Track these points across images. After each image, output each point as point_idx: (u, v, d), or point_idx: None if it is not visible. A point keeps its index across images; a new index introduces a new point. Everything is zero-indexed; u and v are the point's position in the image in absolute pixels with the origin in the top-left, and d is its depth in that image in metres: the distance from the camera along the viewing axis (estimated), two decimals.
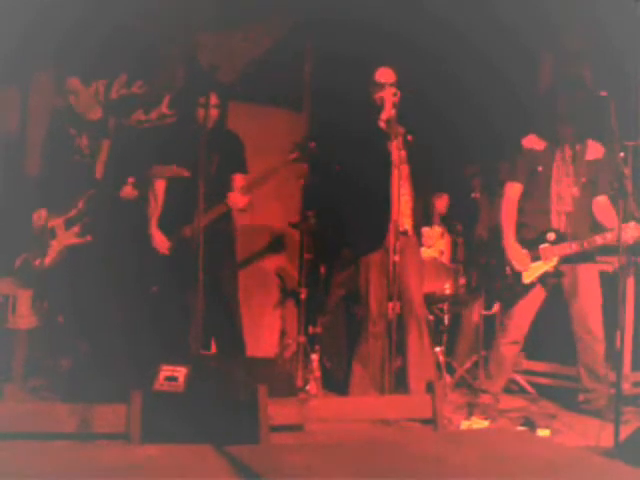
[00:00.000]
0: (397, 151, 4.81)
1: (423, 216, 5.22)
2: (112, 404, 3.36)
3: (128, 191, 4.98)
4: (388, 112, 4.81)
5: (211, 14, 6.49)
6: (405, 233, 4.94)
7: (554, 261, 5.02)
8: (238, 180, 5.30)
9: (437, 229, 6.23)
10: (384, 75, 4.99)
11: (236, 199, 5.10)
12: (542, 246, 5.04)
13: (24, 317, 5.42)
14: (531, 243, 5.08)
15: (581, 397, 5.15)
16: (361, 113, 5.12)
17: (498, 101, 6.41)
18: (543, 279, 5.06)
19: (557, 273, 5.05)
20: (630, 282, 5.39)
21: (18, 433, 3.25)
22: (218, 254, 5.12)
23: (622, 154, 4.43)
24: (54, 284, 5.17)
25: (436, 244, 6.17)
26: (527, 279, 5.06)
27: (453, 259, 6.33)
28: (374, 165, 4.81)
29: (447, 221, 6.46)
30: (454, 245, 6.42)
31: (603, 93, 4.34)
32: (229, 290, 5.29)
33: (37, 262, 5.04)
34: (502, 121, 6.41)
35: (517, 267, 5.07)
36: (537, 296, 5.12)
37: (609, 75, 5.57)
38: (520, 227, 5.16)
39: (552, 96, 5.32)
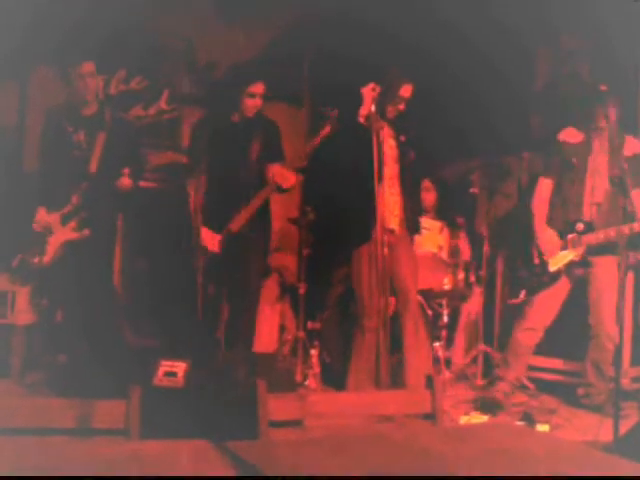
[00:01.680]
0: (385, 147, 4.83)
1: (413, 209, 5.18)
2: (111, 400, 3.37)
3: (124, 182, 4.95)
4: (367, 107, 4.79)
5: (211, 10, 6.49)
6: (392, 231, 4.94)
7: (581, 250, 5.01)
8: (276, 169, 5.14)
9: (436, 223, 6.21)
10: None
11: (283, 175, 4.98)
12: (570, 235, 5.02)
13: (22, 313, 5.42)
14: (560, 233, 5.07)
15: (581, 391, 5.15)
16: (355, 109, 5.10)
17: (498, 95, 6.40)
18: (569, 268, 5.05)
19: (584, 263, 5.04)
20: (630, 276, 5.37)
21: (16, 428, 3.25)
22: (249, 251, 5.11)
23: None
24: (53, 280, 5.15)
25: (435, 239, 6.15)
26: (553, 267, 5.04)
27: (452, 254, 6.32)
28: (364, 160, 4.82)
29: (446, 215, 6.43)
30: (453, 240, 6.40)
31: (603, 88, 4.34)
32: (252, 288, 5.25)
33: (36, 260, 5.00)
34: (502, 116, 6.41)
35: (545, 249, 5.07)
36: (562, 288, 5.10)
37: (609, 74, 5.57)
38: (549, 219, 5.16)
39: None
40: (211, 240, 5.06)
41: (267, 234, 5.32)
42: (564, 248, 5.04)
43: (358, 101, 5.07)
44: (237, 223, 4.96)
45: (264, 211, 5.19)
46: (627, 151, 5.06)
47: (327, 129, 4.93)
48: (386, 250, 4.57)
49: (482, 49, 6.28)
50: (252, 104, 5.11)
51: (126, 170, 4.92)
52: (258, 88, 5.11)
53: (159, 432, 3.32)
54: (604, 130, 5.07)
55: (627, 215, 4.85)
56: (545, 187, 5.21)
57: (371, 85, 4.79)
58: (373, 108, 4.73)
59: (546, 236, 5.10)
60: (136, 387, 3.29)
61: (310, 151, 5.01)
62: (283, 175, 4.98)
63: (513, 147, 5.92)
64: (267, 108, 5.23)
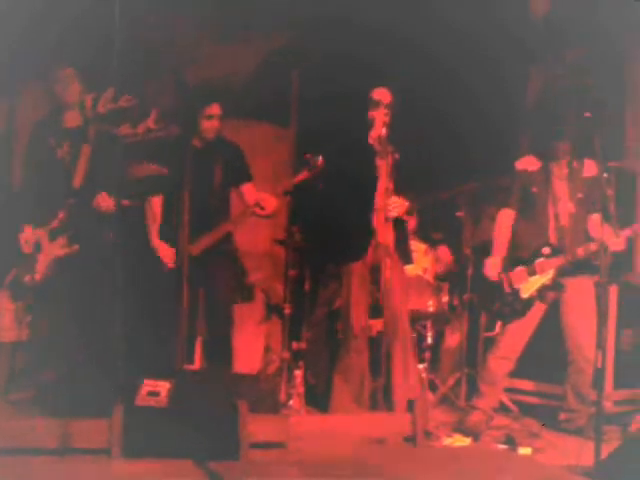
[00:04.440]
0: (385, 168, 4.88)
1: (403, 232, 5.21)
2: (94, 419, 3.37)
3: (105, 203, 4.96)
4: (378, 130, 4.89)
5: (200, 30, 6.52)
6: (387, 248, 4.95)
7: (550, 274, 5.04)
8: (248, 189, 5.31)
9: (421, 246, 6.24)
10: (381, 95, 5.02)
11: (269, 202, 5.05)
12: (538, 260, 5.06)
13: (7, 330, 5.40)
14: (527, 260, 5.10)
15: (562, 416, 5.16)
16: (349, 128, 5.16)
17: (487, 117, 6.46)
18: (541, 293, 5.07)
19: (556, 286, 5.07)
20: (612, 299, 5.40)
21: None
22: (218, 272, 5.15)
23: (606, 175, 4.46)
24: (39, 297, 5.14)
25: (420, 261, 6.17)
26: (525, 293, 5.07)
27: (436, 276, 6.34)
28: (359, 179, 4.93)
29: (430, 238, 6.47)
30: (437, 262, 6.43)
31: (587, 114, 4.39)
32: (225, 309, 5.29)
33: (28, 278, 4.99)
34: (491, 138, 6.46)
35: (487, 273, 5.19)
36: (534, 314, 5.12)
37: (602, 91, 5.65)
38: (516, 248, 5.22)
39: (545, 113, 5.38)
40: (167, 254, 5.16)
41: (230, 262, 5.39)
42: (532, 274, 5.08)
43: (345, 119, 5.16)
44: (202, 245, 5.02)
45: (227, 239, 5.27)
46: (586, 172, 5.12)
47: (304, 174, 5.01)
48: (388, 273, 4.63)
49: (468, 73, 6.35)
50: (210, 126, 5.20)
51: (103, 193, 4.93)
52: (214, 109, 5.19)
53: (142, 452, 3.32)
54: (565, 156, 5.14)
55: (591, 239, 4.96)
56: (506, 218, 5.28)
57: (384, 110, 4.90)
58: (384, 131, 4.83)
59: (489, 266, 5.22)
60: (118, 406, 3.30)
61: (286, 190, 5.12)
62: (265, 200, 5.05)
63: (501, 170, 5.94)
64: (252, 129, 5.28)
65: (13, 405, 5.11)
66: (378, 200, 4.88)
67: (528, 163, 5.23)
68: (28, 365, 5.40)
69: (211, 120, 5.18)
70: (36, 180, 5.14)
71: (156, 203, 5.28)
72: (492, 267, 5.20)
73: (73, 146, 5.04)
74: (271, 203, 5.05)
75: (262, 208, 5.03)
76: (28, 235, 5.01)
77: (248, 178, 5.34)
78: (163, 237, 5.22)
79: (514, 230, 5.25)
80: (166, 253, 5.17)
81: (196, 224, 4.91)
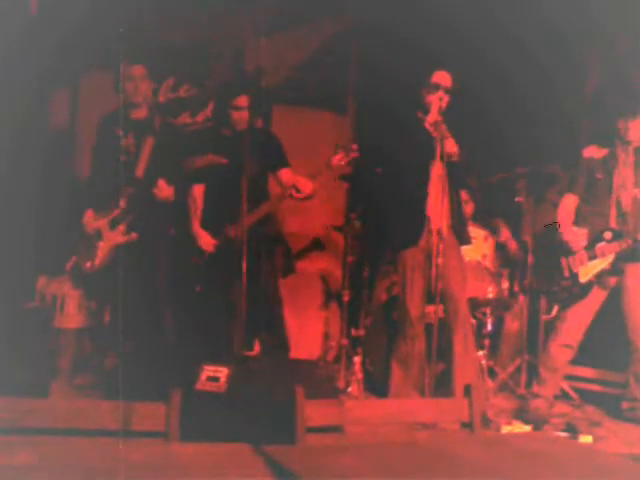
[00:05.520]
0: (439, 153, 4.85)
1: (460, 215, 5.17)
2: (153, 402, 3.43)
3: (163, 192, 5.03)
4: (434, 115, 4.85)
5: (258, 17, 6.55)
6: (441, 233, 4.91)
7: (610, 258, 4.98)
8: (285, 174, 5.34)
9: (481, 232, 6.17)
10: (441, 78, 4.98)
11: (305, 185, 5.08)
12: (599, 245, 5.02)
13: (72, 316, 5.51)
14: (588, 244, 5.06)
15: (625, 404, 5.09)
16: (406, 113, 5.13)
17: (546, 101, 6.38)
18: (600, 278, 5.02)
19: (615, 271, 5.01)
20: None
21: (63, 429, 3.32)
22: (261, 255, 5.19)
23: None
24: (101, 284, 5.23)
25: (480, 247, 6.11)
26: (584, 278, 5.03)
27: (496, 262, 6.28)
28: (415, 165, 4.90)
29: (490, 224, 6.40)
30: (497, 248, 6.36)
31: None
32: (270, 291, 5.34)
33: (88, 264, 5.10)
34: (550, 123, 6.38)
35: (574, 244, 5.10)
36: (594, 300, 5.07)
37: None
38: None
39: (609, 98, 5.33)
40: (207, 242, 5.25)
41: (273, 244, 5.44)
42: (593, 258, 5.01)
43: (402, 104, 5.13)
44: (234, 230, 5.07)
45: (271, 221, 5.32)
46: None
47: (338, 157, 5.01)
48: (441, 259, 4.61)
49: (531, 54, 6.26)
50: (239, 117, 5.23)
51: (162, 181, 5.00)
52: (242, 101, 5.23)
53: (199, 436, 3.37)
54: (631, 143, 5.07)
55: None
56: (570, 203, 5.24)
57: (439, 94, 4.87)
58: (439, 116, 4.80)
59: (571, 233, 5.13)
60: (176, 391, 3.35)
61: (318, 173, 5.13)
62: (301, 183, 5.08)
63: (561, 155, 5.88)
64: (309, 116, 5.29)
65: (78, 389, 5.22)
66: (432, 185, 4.86)
67: (594, 151, 5.20)
68: (92, 350, 5.52)
69: (240, 111, 5.23)
70: (100, 170, 5.24)
71: (198, 191, 5.35)
72: (580, 237, 5.12)
73: (137, 136, 5.11)
74: (307, 186, 5.07)
75: (298, 191, 5.06)
76: (90, 218, 5.10)
77: (285, 164, 5.36)
78: (204, 224, 5.30)
79: (578, 214, 5.21)
80: (206, 240, 5.25)
81: (235, 210, 4.96)
